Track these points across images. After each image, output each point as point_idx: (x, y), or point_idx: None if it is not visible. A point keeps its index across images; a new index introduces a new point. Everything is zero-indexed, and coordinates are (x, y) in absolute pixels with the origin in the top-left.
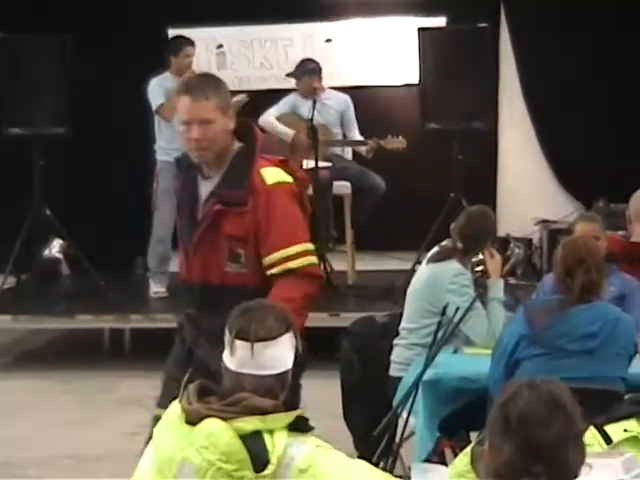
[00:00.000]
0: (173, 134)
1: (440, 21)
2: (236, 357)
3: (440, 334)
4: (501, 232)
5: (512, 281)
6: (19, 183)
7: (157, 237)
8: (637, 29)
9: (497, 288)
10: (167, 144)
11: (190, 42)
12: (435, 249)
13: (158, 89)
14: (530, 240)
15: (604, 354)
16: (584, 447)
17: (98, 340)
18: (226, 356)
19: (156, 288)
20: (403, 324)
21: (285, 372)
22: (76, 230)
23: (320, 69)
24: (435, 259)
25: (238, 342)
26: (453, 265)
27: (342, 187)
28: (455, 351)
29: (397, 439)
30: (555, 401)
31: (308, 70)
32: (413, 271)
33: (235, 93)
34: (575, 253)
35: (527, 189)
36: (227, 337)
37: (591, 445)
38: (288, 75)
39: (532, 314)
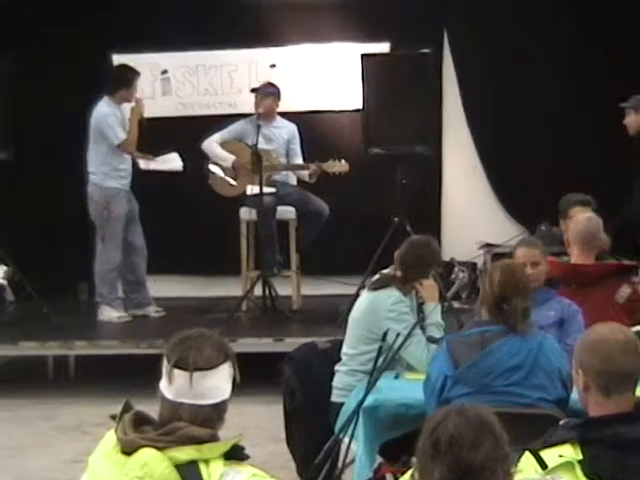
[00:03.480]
0: (123, 159)
1: (384, 47)
2: (174, 386)
3: (380, 360)
4: (445, 256)
5: (456, 305)
6: None
7: (113, 265)
8: (577, 54)
9: (435, 313)
10: (119, 172)
11: (139, 74)
12: (376, 276)
13: (115, 120)
14: (474, 264)
15: (533, 383)
16: (511, 471)
17: (42, 367)
18: (163, 385)
19: (118, 313)
20: (344, 350)
21: (223, 402)
22: (19, 256)
23: (280, 95)
24: (374, 286)
25: (177, 371)
26: (391, 292)
27: (286, 212)
28: (396, 377)
29: (339, 465)
30: (483, 424)
31: (273, 92)
32: (357, 296)
33: (179, 119)
34: (513, 278)
35: (471, 213)
36: (165, 366)
37: (527, 470)
38: (252, 90)
39: (455, 352)
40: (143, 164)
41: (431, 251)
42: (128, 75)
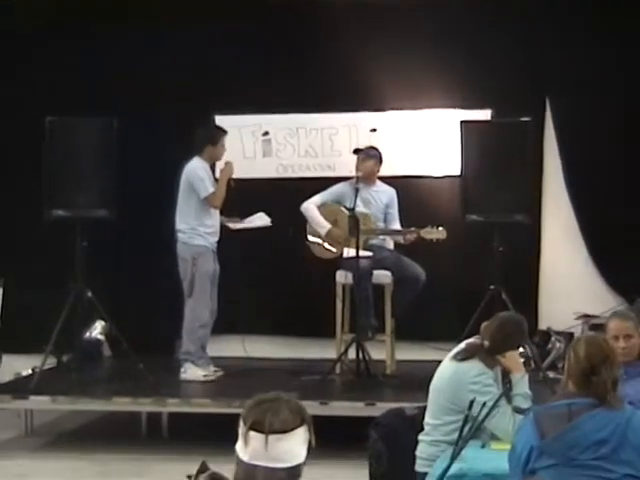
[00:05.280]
0: (211, 215)
1: (485, 114)
2: (249, 448)
3: (466, 429)
4: (542, 325)
5: (552, 375)
6: (61, 264)
7: (201, 322)
8: None
9: (522, 383)
10: (206, 228)
11: (226, 132)
12: (461, 346)
13: (205, 176)
14: (571, 334)
15: (620, 458)
16: None
17: (136, 423)
18: (239, 447)
19: (204, 372)
20: (427, 419)
21: (297, 466)
22: (118, 312)
23: (381, 159)
24: (459, 357)
25: (252, 433)
26: (475, 364)
27: (383, 276)
28: (483, 446)
29: None
30: None
31: (375, 155)
32: None
33: (279, 181)
34: (599, 350)
35: (569, 283)
36: (241, 428)
37: None
38: (355, 151)
39: (541, 423)
40: (232, 225)
41: (520, 332)
42: (214, 133)
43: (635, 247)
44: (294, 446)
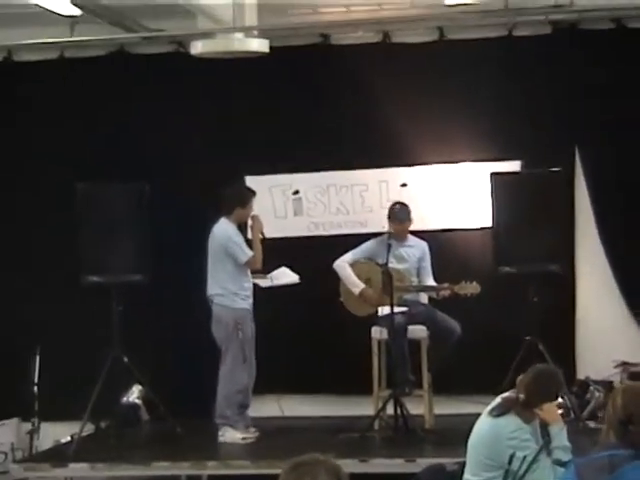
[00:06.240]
0: (248, 278)
1: (515, 165)
2: None
3: None
4: (580, 375)
5: (592, 425)
6: (97, 330)
7: (239, 386)
8: None
9: (561, 436)
10: (245, 291)
11: (255, 194)
12: (497, 400)
13: (240, 240)
14: (610, 383)
15: None
16: None
17: None
18: None
19: (242, 434)
20: (466, 475)
21: None
22: (154, 376)
23: (411, 217)
24: (495, 413)
25: None
26: (511, 419)
27: (418, 331)
28: None
29: None
30: None
31: (405, 218)
32: None
33: (311, 239)
34: (637, 400)
35: (606, 331)
36: None
37: None
38: (389, 215)
39: (583, 475)
40: (262, 283)
41: (556, 384)
42: (244, 194)
43: None
44: None
